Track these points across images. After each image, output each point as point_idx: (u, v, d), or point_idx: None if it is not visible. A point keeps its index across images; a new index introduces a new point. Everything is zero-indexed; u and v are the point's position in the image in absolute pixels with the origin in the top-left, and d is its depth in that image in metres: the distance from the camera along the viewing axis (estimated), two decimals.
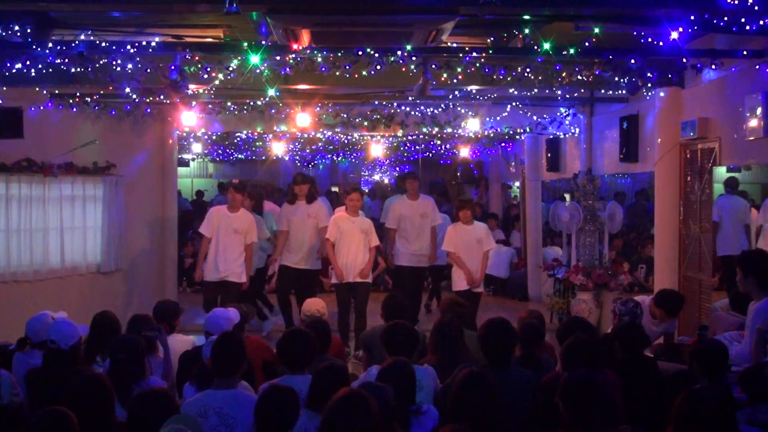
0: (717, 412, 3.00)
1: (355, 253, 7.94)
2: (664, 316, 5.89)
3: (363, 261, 7.96)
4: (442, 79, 6.88)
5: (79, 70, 6.49)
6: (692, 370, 4.18)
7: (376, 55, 6.00)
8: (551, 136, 10.62)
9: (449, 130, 9.94)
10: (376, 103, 9.30)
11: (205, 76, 6.67)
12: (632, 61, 6.41)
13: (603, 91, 8.37)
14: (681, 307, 6.11)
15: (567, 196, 11.61)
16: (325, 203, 9.18)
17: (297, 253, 8.56)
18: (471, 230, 7.92)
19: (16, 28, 6.05)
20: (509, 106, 9.66)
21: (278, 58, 6.26)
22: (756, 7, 4.94)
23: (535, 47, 6.03)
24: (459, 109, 9.66)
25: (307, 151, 15.17)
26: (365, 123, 9.74)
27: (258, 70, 6.43)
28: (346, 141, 12.53)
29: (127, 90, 6.98)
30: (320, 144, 13.17)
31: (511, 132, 10.67)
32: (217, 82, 6.79)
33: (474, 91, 8.13)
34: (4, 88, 7.56)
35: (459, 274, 7.88)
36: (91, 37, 6.27)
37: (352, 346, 8.00)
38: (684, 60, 6.43)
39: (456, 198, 10.71)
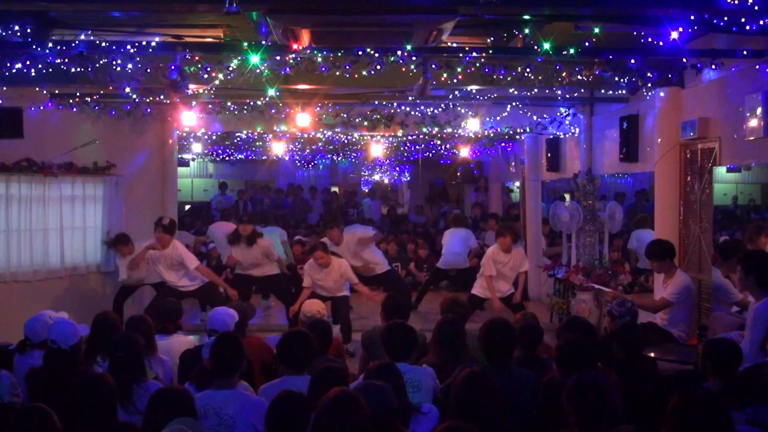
0: (711, 412, 3.00)
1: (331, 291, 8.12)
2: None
3: (340, 289, 8.14)
4: (442, 79, 6.88)
5: (79, 70, 6.48)
6: (704, 369, 4.13)
7: (376, 55, 5.99)
8: (551, 136, 10.61)
9: (449, 130, 9.94)
10: (376, 103, 9.29)
11: (205, 76, 6.67)
12: (632, 61, 6.40)
13: (603, 91, 8.36)
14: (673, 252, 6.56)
15: (567, 196, 11.60)
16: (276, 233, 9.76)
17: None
18: (509, 258, 8.16)
19: (16, 28, 6.03)
20: (509, 106, 9.65)
21: (278, 58, 6.26)
22: (756, 7, 4.94)
23: (535, 47, 6.02)
24: (459, 109, 9.65)
25: (307, 151, 15.16)
26: (365, 123, 9.73)
27: (258, 70, 6.43)
28: (346, 141, 12.52)
29: (127, 90, 6.97)
30: (320, 144, 13.16)
31: (511, 132, 10.66)
32: (217, 82, 6.79)
33: (474, 91, 8.13)
34: (4, 88, 7.56)
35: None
36: (91, 37, 6.26)
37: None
38: (684, 60, 6.42)
39: (499, 222, 10.93)
